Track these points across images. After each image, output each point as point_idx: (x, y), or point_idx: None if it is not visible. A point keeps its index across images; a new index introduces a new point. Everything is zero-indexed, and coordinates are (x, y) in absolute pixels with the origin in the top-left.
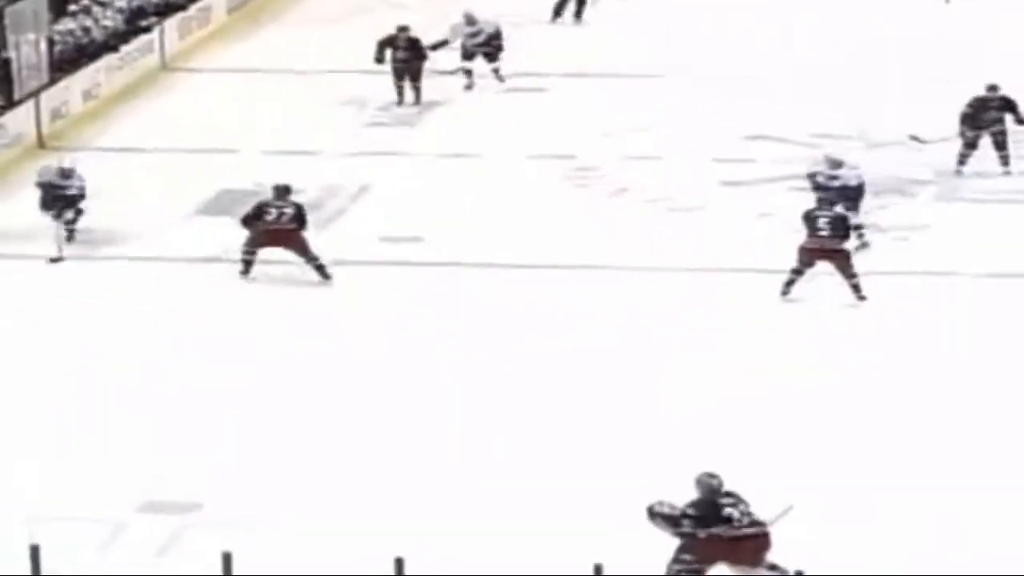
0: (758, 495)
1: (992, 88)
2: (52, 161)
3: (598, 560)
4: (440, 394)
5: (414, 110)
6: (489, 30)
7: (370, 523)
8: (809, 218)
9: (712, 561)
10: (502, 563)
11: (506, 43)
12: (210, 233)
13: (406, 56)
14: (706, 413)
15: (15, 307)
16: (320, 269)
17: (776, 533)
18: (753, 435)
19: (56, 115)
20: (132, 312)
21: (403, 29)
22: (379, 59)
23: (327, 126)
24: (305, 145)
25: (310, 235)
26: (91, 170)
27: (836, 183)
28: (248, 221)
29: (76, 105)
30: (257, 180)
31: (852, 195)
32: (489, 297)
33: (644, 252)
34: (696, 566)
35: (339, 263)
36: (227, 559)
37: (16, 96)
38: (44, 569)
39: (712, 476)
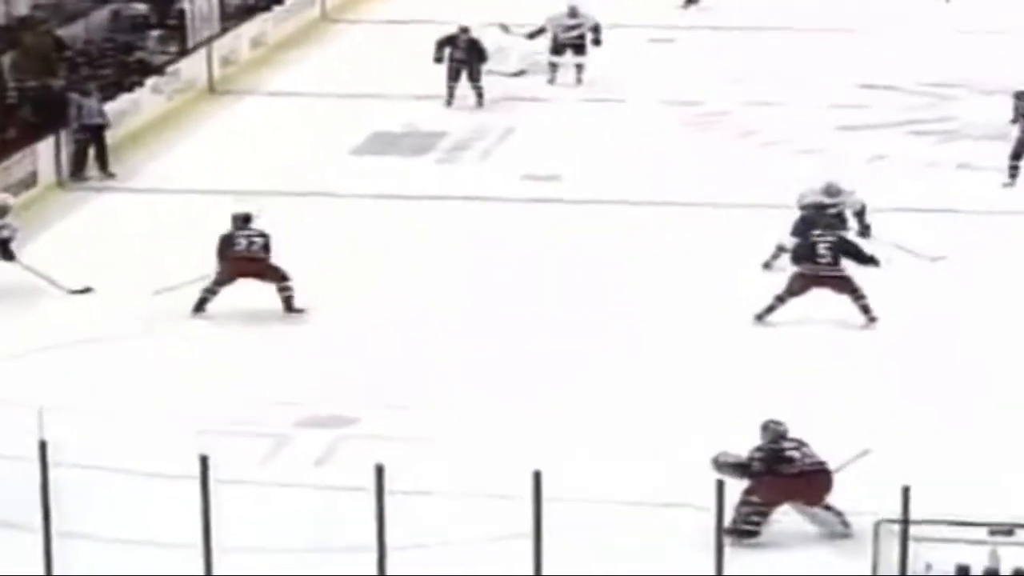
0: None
1: None
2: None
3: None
4: (578, 323)
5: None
6: (589, 24)
7: (516, 443)
8: (806, 246)
9: (777, 501)
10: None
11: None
12: (364, 171)
13: (465, 57)
14: (814, 349)
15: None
16: (288, 301)
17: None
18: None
19: (226, 62)
20: (295, 242)
21: (464, 30)
22: (438, 59)
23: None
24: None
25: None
26: (258, 113)
27: (833, 211)
28: (220, 255)
29: (244, 52)
30: (407, 122)
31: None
32: (623, 233)
33: (766, 191)
34: (763, 507)
35: (484, 199)
36: (379, 471)
37: (190, 44)
38: (212, 477)
39: (778, 423)
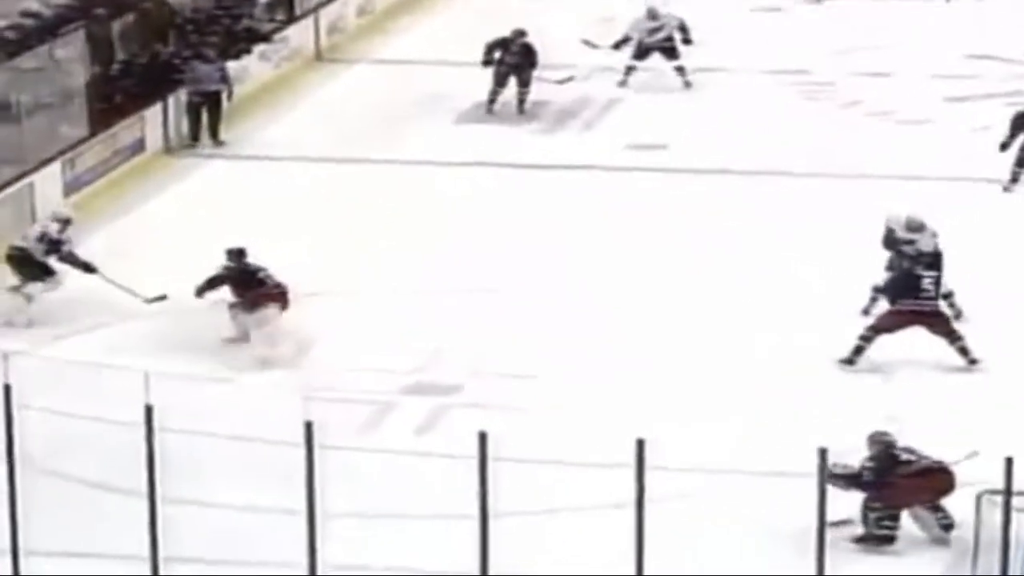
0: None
1: None
2: None
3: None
4: (683, 293)
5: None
6: (673, 24)
7: (620, 412)
8: (909, 277)
9: (903, 503)
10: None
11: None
12: (468, 139)
13: (517, 61)
14: None
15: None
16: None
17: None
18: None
19: (333, 29)
20: (398, 210)
21: (521, 33)
22: (487, 61)
23: (577, 43)
24: (558, 59)
25: None
26: (364, 81)
27: (911, 248)
28: (251, 294)
29: (351, 20)
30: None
31: (929, 262)
32: (726, 202)
33: (871, 162)
34: (891, 510)
35: (588, 168)
36: (483, 439)
37: (297, 12)
38: (316, 443)
39: (884, 433)
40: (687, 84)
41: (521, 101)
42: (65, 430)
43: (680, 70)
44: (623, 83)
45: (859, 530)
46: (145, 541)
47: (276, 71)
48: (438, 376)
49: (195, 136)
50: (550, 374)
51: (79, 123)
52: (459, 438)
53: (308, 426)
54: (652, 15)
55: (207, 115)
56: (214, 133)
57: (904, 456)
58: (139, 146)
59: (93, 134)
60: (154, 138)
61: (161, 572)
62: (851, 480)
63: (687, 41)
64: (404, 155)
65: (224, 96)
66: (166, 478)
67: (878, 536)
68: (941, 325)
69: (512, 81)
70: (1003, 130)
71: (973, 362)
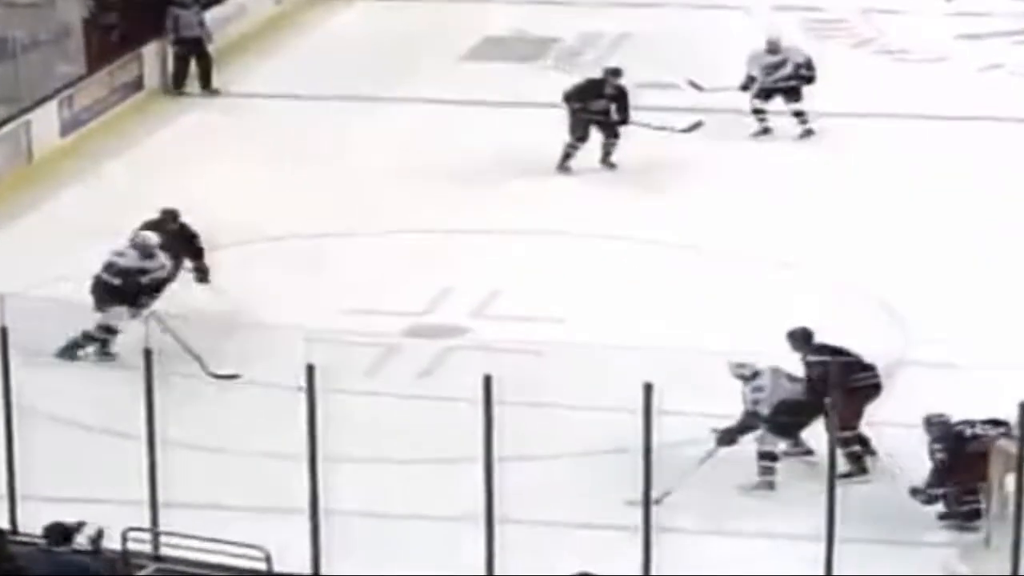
0: None
1: None
2: None
3: None
4: (690, 237)
5: None
6: (797, 59)
7: (628, 358)
8: None
9: (982, 476)
10: None
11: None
12: (475, 77)
13: (607, 107)
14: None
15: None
16: None
17: None
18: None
19: None
20: (405, 148)
21: (614, 73)
22: (573, 112)
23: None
24: None
25: None
26: (367, 17)
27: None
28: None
29: None
30: (517, 27)
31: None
32: (735, 140)
33: (882, 100)
34: (971, 486)
35: None
36: (488, 382)
37: None
38: (318, 385)
39: (940, 415)
40: (807, 133)
41: (607, 153)
42: (60, 373)
43: (798, 115)
44: (765, 131)
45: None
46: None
47: (277, 8)
48: (444, 318)
49: (179, 85)
50: (561, 318)
51: (76, 61)
52: (464, 381)
53: (310, 369)
54: (773, 48)
55: (196, 65)
56: (205, 83)
57: (968, 432)
58: (137, 84)
59: (90, 72)
60: (152, 76)
61: (161, 518)
62: (934, 482)
63: (810, 80)
64: (409, 93)
65: (206, 43)
66: (163, 422)
67: (963, 513)
68: None
69: (594, 131)
70: (1013, 68)
71: None
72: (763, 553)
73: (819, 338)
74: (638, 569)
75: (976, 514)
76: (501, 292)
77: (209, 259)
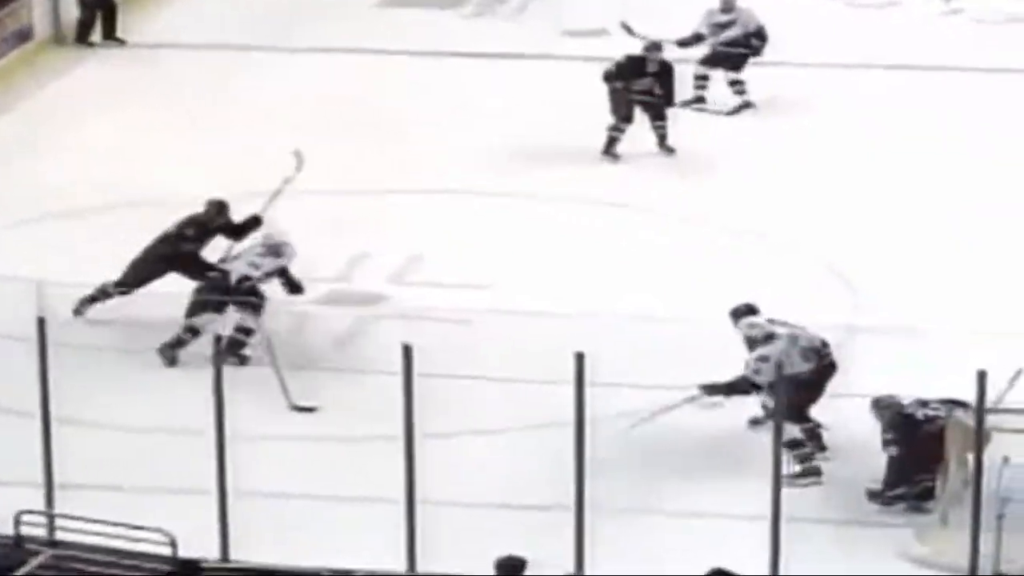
0: None
1: None
2: None
3: None
4: (632, 197)
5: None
6: (748, 26)
7: (560, 328)
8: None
9: (939, 460)
10: None
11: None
12: (390, 24)
13: (652, 87)
14: None
15: None
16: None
17: None
18: None
19: None
20: (316, 100)
21: (655, 47)
22: (614, 91)
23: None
24: None
25: None
26: None
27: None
28: None
29: None
30: None
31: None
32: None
33: (837, 49)
34: (926, 474)
35: (520, 57)
36: (407, 352)
37: None
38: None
39: (891, 396)
40: (745, 105)
41: (662, 138)
42: None
43: (738, 89)
44: (695, 101)
45: None
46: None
47: None
48: (362, 284)
49: (83, 39)
50: (488, 284)
51: None
52: (383, 351)
53: (217, 340)
54: (726, 6)
55: (100, 14)
56: (109, 32)
57: (920, 414)
58: (26, 34)
59: None
60: (43, 25)
61: (56, 499)
62: (892, 481)
63: (755, 51)
64: (323, 42)
65: None
66: (65, 399)
67: (915, 492)
68: None
69: (637, 113)
70: (975, 14)
71: None
72: (709, 534)
73: (768, 309)
74: (569, 553)
75: (929, 493)
76: (423, 257)
77: (106, 222)
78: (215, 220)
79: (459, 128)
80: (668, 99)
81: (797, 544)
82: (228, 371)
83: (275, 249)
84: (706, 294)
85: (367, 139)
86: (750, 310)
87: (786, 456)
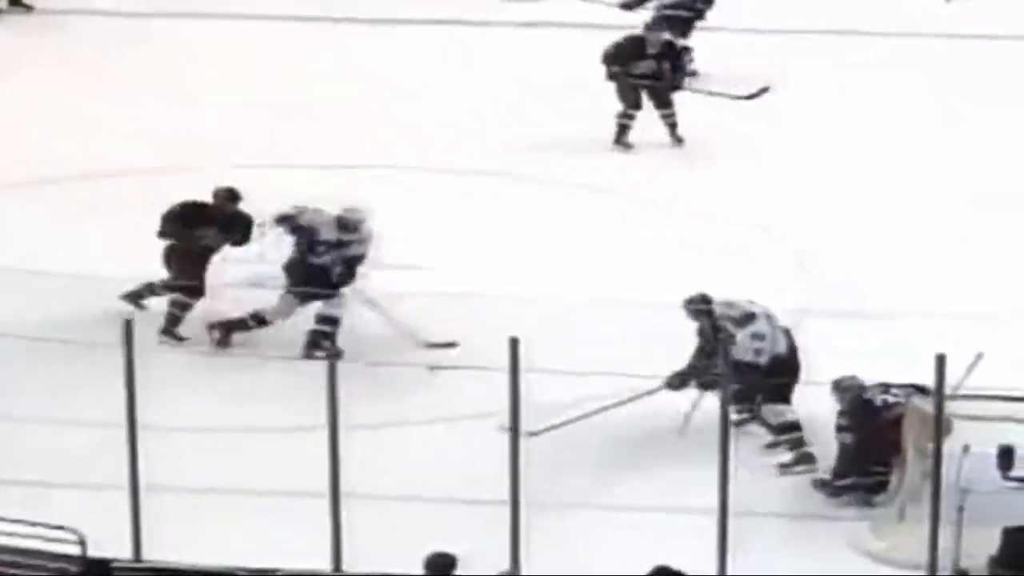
0: None
1: None
2: None
3: None
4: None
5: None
6: None
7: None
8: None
9: (896, 451)
10: None
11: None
12: None
13: (657, 69)
14: None
15: None
16: None
17: None
18: None
19: None
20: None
21: (656, 26)
22: (613, 75)
23: None
24: None
25: None
26: None
27: None
28: None
29: None
30: None
31: None
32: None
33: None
34: (881, 466)
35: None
36: (333, 355)
37: None
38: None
39: (852, 378)
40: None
41: (672, 127)
42: None
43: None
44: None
45: None
46: None
47: None
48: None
49: None
50: (423, 265)
51: None
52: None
53: (127, 325)
54: None
55: None
56: None
57: (879, 400)
58: None
59: None
60: None
61: None
62: (841, 470)
63: (699, 14)
64: (246, 7)
65: None
66: None
67: (868, 485)
68: None
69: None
70: None
71: None
72: (654, 529)
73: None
74: (504, 550)
75: (881, 486)
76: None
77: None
78: (227, 208)
79: (390, 98)
80: (673, 84)
81: (748, 539)
82: (146, 358)
83: (352, 226)
84: (674, 280)
85: (293, 110)
86: (705, 299)
87: (777, 441)
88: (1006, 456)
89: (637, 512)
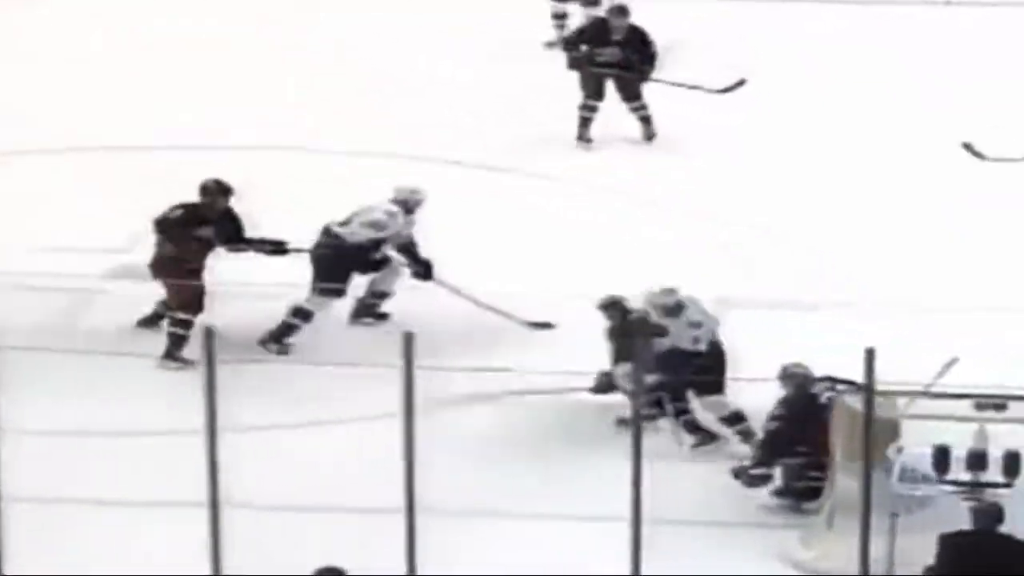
0: None
1: None
2: None
3: None
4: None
5: None
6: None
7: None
8: None
9: (825, 449)
10: None
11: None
12: None
13: (619, 56)
14: None
15: None
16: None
17: None
18: None
19: None
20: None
21: (620, 11)
22: (575, 62)
23: None
24: None
25: None
26: None
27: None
28: None
29: None
30: None
31: None
32: None
33: None
34: (816, 467)
35: None
36: (209, 334)
37: None
38: None
39: (799, 365)
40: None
41: (644, 120)
42: None
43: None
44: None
45: None
46: None
47: None
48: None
49: None
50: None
51: None
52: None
53: None
54: None
55: None
56: None
57: (824, 397)
58: None
59: None
60: None
61: None
62: (761, 459)
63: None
64: None
65: None
66: None
67: (799, 490)
68: None
69: (610, 89)
70: None
71: None
72: (563, 538)
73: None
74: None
75: (814, 493)
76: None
77: None
78: (218, 204)
79: (267, 73)
80: (641, 75)
81: (667, 549)
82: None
83: (412, 207)
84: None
85: (169, 86)
86: (615, 302)
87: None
88: (941, 457)
89: (545, 520)
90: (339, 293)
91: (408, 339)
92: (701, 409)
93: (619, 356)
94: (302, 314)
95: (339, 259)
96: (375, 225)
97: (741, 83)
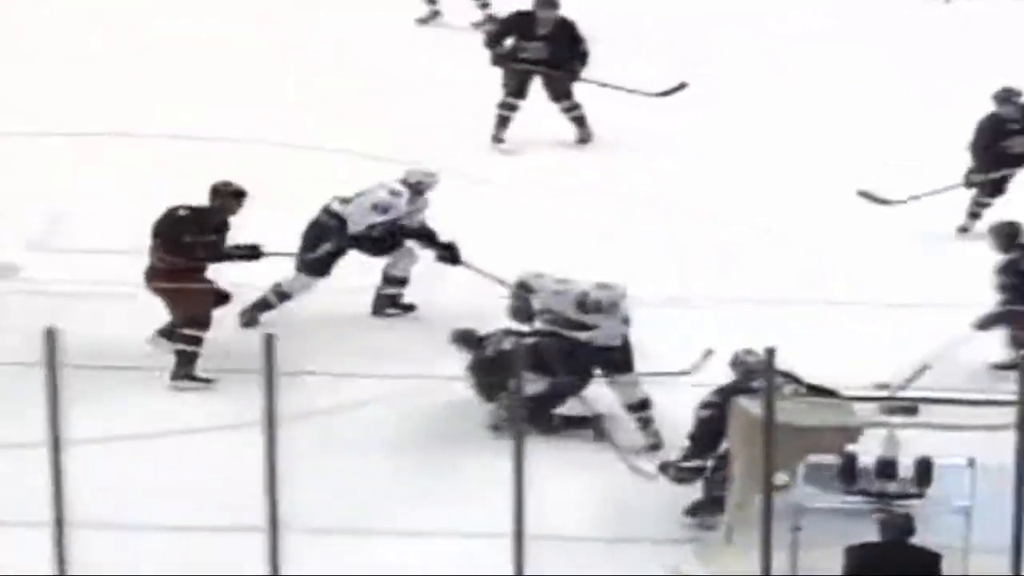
0: None
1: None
2: None
3: None
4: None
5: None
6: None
7: None
8: None
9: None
10: None
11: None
12: None
13: (547, 54)
14: None
15: None
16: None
17: None
18: None
19: None
20: None
21: (549, 4)
22: (498, 58)
23: None
24: None
25: None
26: None
27: None
28: None
29: None
30: None
31: None
32: None
33: None
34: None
35: None
36: (50, 337)
37: None
38: None
39: (750, 352)
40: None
41: (577, 121)
42: None
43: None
44: (487, 20)
45: None
46: None
47: None
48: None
49: None
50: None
51: None
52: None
53: None
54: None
55: None
56: None
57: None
58: None
59: None
60: None
61: None
62: (691, 452)
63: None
64: None
65: None
66: None
67: (720, 499)
68: None
69: (536, 88)
70: None
71: None
72: (439, 557)
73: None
74: None
75: (719, 503)
76: (66, 216)
77: None
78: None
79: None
80: (571, 73)
81: (552, 566)
82: None
83: (423, 189)
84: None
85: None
86: (468, 335)
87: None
88: (847, 467)
89: (423, 537)
90: (321, 271)
91: (269, 341)
92: (612, 391)
93: (488, 393)
94: (281, 294)
95: (327, 236)
96: (378, 206)
97: (682, 87)
